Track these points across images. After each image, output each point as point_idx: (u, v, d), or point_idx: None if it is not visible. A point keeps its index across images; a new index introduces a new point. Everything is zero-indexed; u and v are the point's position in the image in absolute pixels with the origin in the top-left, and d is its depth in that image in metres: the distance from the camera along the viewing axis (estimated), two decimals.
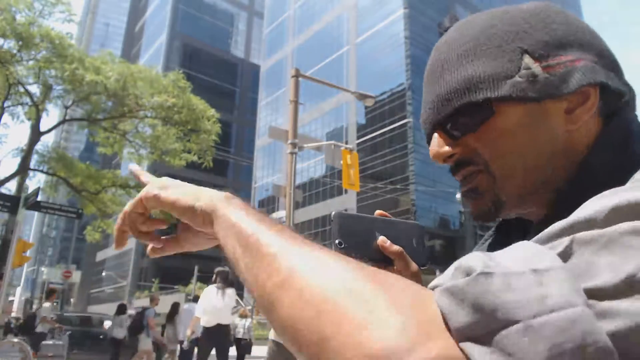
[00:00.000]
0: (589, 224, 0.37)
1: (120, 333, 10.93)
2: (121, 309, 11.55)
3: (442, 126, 0.63)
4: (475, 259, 0.39)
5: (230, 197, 0.61)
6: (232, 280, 7.03)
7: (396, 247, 0.71)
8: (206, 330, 6.78)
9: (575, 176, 0.57)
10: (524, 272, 0.35)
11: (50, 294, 11.32)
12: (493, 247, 0.66)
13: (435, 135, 0.63)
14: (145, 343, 10.15)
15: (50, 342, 10.48)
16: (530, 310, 0.32)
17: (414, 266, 0.73)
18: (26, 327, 10.92)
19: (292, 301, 0.38)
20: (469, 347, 0.32)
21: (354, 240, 0.69)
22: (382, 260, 0.71)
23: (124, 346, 10.98)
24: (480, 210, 0.63)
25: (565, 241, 0.37)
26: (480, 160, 0.60)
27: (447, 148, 0.62)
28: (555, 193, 0.58)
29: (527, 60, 0.58)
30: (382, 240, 0.71)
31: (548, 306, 0.32)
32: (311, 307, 0.36)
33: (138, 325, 10.16)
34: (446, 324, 0.34)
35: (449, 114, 0.60)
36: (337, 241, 0.68)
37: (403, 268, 0.71)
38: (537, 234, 0.54)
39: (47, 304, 10.80)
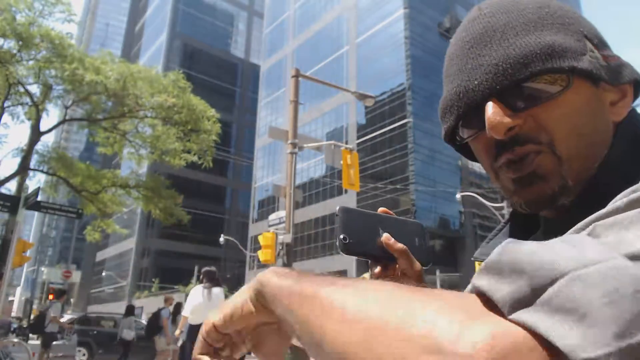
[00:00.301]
0: (611, 214, 0.37)
1: (129, 334, 11.17)
2: (130, 310, 11.75)
3: (502, 94, 0.56)
4: (498, 248, 0.37)
5: (264, 274, 0.55)
6: (218, 280, 7.14)
7: (400, 245, 0.70)
8: (192, 328, 6.86)
9: (600, 170, 0.55)
10: (554, 241, 0.35)
11: (60, 294, 11.37)
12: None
13: (491, 103, 0.55)
14: (162, 343, 10.28)
15: (61, 342, 10.55)
16: (571, 263, 0.31)
17: (417, 265, 0.72)
18: (36, 326, 11.03)
19: (341, 329, 0.37)
20: (521, 315, 0.31)
21: (357, 236, 0.69)
22: (386, 258, 0.70)
23: (133, 346, 11.27)
24: (542, 196, 0.55)
25: (589, 228, 0.37)
26: (544, 138, 0.54)
27: (509, 119, 0.54)
28: (592, 178, 0.55)
29: (589, 45, 0.56)
30: (386, 237, 0.70)
31: (588, 259, 0.31)
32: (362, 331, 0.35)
33: (154, 326, 10.27)
34: (492, 306, 0.33)
35: (520, 79, 0.54)
36: (341, 236, 0.68)
37: (407, 266, 0.70)
38: (549, 228, 0.52)
39: (57, 304, 10.86)
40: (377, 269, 0.74)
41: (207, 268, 7.23)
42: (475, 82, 0.57)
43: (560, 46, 0.54)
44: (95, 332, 14.48)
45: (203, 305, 6.75)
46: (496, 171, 0.59)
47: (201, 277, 7.23)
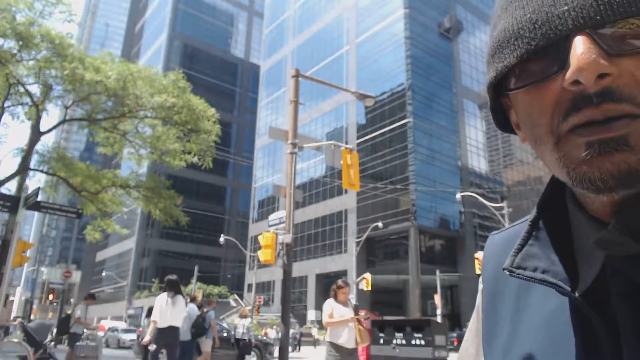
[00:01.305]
0: None
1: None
2: (151, 312, 11.90)
3: (596, 29, 0.41)
4: None
5: None
6: (180, 288, 8.17)
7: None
8: (159, 330, 7.78)
9: None
10: None
11: (90, 297, 11.44)
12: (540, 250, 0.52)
13: (581, 37, 0.40)
14: (207, 345, 10.66)
15: (84, 343, 10.66)
16: None
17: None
18: (62, 327, 11.28)
19: None
20: None
21: None
22: None
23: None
24: (627, 170, 0.40)
25: None
26: None
27: (607, 63, 0.40)
28: None
29: None
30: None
31: None
32: None
33: (201, 327, 10.54)
34: None
35: (630, 13, 0.39)
36: None
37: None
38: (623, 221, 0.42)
39: (81, 305, 10.98)
40: None
41: (169, 277, 8.12)
42: (565, 8, 0.41)
43: None
44: None
45: (168, 311, 7.78)
46: (559, 135, 0.44)
47: (165, 285, 8.08)
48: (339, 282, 6.47)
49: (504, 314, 0.58)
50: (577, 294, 0.47)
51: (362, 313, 6.60)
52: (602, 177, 0.41)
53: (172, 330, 7.84)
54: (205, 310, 10.89)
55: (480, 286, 0.65)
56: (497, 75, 0.48)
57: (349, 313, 6.14)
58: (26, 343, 8.55)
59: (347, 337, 5.97)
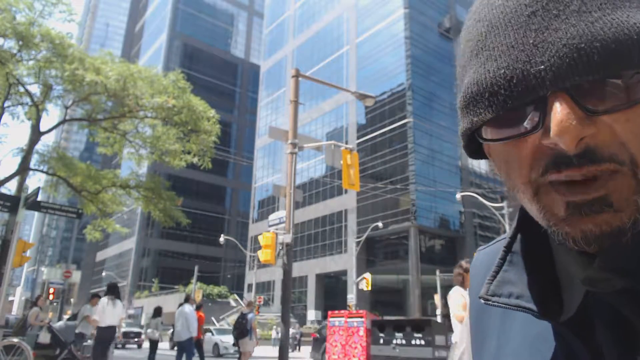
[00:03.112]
0: None
1: (156, 334, 12.16)
2: (157, 312, 12.53)
3: (574, 88, 0.40)
4: None
5: None
6: (119, 293, 9.69)
7: None
8: (100, 329, 9.19)
9: None
10: None
11: (95, 297, 11.52)
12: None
13: (562, 99, 0.40)
14: (249, 345, 11.10)
15: (90, 342, 10.74)
16: None
17: None
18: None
19: None
20: None
21: None
22: None
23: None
24: (608, 231, 0.40)
25: None
26: (624, 156, 0.40)
27: (588, 127, 0.39)
28: None
29: None
30: None
31: None
32: None
33: (244, 329, 11.02)
34: None
35: (609, 74, 0.38)
36: None
37: None
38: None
39: (88, 306, 11.08)
40: None
41: (111, 282, 9.75)
42: (542, 67, 0.40)
43: None
44: None
45: (109, 312, 9.13)
46: (537, 188, 0.43)
47: (106, 290, 9.50)
48: (464, 263, 5.03)
49: (491, 333, 0.58)
50: (560, 320, 0.47)
51: None
52: (585, 238, 0.41)
53: (111, 329, 9.24)
54: (245, 312, 11.27)
55: (469, 300, 0.65)
56: (471, 127, 0.47)
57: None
58: (23, 344, 8.55)
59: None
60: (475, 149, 0.53)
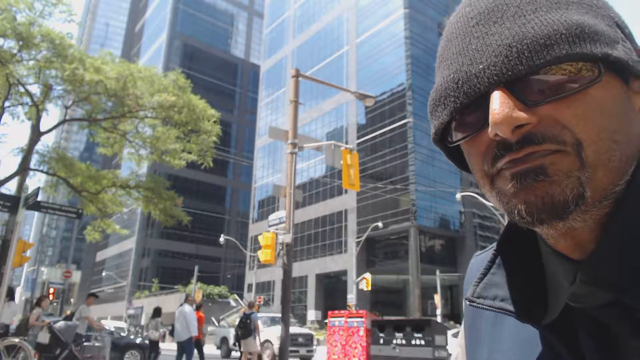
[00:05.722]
0: None
1: (155, 334, 12.16)
2: (157, 312, 12.50)
3: (513, 83, 0.44)
4: None
5: None
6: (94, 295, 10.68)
7: None
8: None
9: (630, 193, 0.44)
10: None
11: (91, 296, 11.51)
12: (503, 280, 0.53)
13: (498, 92, 0.43)
14: (253, 344, 11.23)
15: (91, 343, 10.71)
16: None
17: None
18: None
19: None
20: None
21: None
22: None
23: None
24: (548, 201, 0.42)
25: None
26: (568, 139, 0.42)
27: (523, 114, 0.42)
28: (613, 205, 0.45)
29: (620, 34, 0.47)
30: None
31: None
32: None
33: (248, 328, 11.14)
34: None
35: (538, 65, 0.42)
36: None
37: None
38: (591, 277, 0.43)
39: (84, 306, 11.09)
40: None
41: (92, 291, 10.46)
42: (480, 67, 0.45)
43: (591, 28, 0.43)
44: None
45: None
46: (492, 177, 0.47)
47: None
48: None
49: (483, 337, 0.59)
50: (543, 323, 0.48)
51: None
52: (529, 210, 0.43)
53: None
54: (248, 312, 11.36)
55: (464, 305, 0.66)
56: (436, 132, 0.51)
57: None
58: (24, 344, 8.54)
59: None
60: (461, 160, 0.56)
